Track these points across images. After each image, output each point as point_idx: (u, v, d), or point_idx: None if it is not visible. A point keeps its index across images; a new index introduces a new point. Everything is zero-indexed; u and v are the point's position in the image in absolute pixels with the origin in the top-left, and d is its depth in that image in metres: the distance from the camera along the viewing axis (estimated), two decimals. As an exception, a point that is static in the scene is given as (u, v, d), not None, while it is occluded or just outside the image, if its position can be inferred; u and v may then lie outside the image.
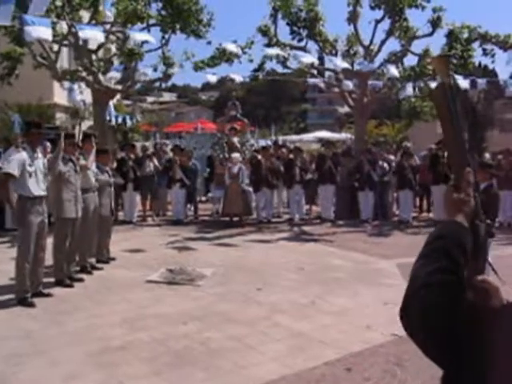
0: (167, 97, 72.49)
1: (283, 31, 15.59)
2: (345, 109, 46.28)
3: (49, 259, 7.55)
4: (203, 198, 17.43)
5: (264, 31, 15.17)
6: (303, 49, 15.20)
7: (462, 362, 1.18)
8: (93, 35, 11.64)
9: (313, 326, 6.00)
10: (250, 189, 13.76)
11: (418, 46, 15.90)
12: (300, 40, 15.23)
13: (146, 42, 13.80)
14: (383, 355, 5.16)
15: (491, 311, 1.24)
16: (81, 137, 8.22)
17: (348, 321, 6.23)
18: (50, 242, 7.56)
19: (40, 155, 7.09)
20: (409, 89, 16.21)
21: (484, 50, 15.43)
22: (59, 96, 22.35)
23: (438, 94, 1.42)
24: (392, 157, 15.98)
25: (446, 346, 1.17)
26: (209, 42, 14.50)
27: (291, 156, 15.07)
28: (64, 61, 18.55)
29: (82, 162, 8.13)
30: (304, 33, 15.09)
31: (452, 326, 1.16)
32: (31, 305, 6.61)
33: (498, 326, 1.18)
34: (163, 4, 13.86)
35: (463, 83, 15.28)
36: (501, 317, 1.21)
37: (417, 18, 15.59)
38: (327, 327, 5.98)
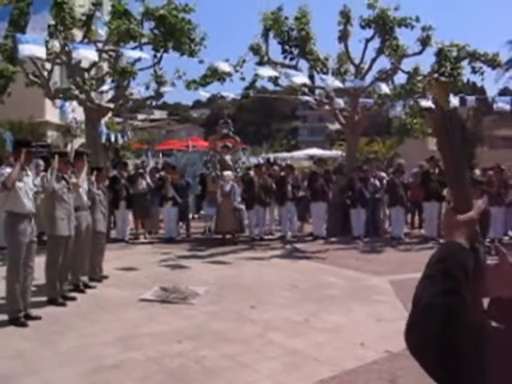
0: (158, 114, 72.50)
1: (275, 50, 15.70)
2: (335, 126, 46.56)
3: (41, 278, 7.51)
4: (195, 216, 17.42)
5: (256, 50, 15.26)
6: (295, 67, 15.32)
7: (462, 381, 1.20)
8: (86, 54, 11.67)
9: (307, 343, 6.00)
10: (243, 206, 13.76)
11: (407, 65, 16.07)
12: (292, 59, 15.35)
13: (138, 60, 13.86)
14: (377, 372, 5.17)
15: (491, 332, 1.26)
16: (73, 155, 8.21)
17: (342, 338, 6.24)
18: (42, 260, 7.53)
19: (29, 173, 7.09)
20: (398, 108, 16.36)
21: (473, 68, 15.63)
22: (51, 114, 22.33)
23: (438, 121, 1.42)
24: (383, 174, 16.07)
25: (447, 366, 1.18)
26: (201, 61, 14.56)
27: (283, 173, 15.15)
28: (56, 79, 18.55)
29: (73, 180, 8.13)
30: (295, 51, 15.21)
31: (453, 346, 1.18)
32: (23, 324, 6.55)
33: (496, 346, 1.20)
34: (156, 23, 13.93)
35: (453, 101, 15.44)
36: (500, 337, 1.23)
37: (406, 37, 15.79)
38: (321, 344, 5.98)
